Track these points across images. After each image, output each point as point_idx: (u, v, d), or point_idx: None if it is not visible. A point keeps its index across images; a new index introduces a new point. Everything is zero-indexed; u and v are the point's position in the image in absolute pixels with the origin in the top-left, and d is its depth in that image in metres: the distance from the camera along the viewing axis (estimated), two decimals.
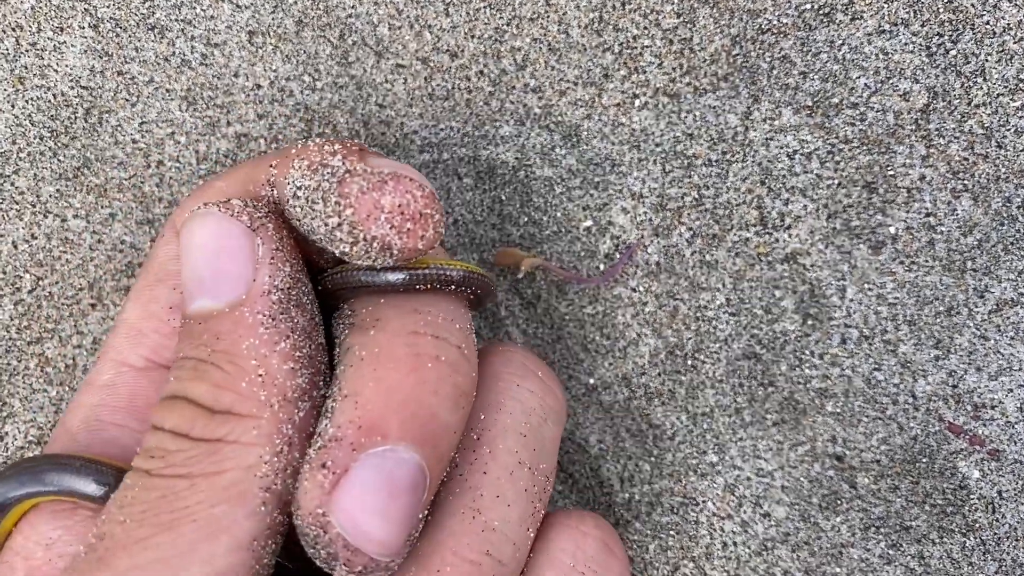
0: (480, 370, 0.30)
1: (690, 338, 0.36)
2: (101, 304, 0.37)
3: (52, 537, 0.27)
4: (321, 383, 0.26)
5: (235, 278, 0.26)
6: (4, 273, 0.36)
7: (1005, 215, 0.35)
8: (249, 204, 0.27)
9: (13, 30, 0.36)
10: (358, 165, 0.26)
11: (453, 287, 0.28)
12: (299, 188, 0.26)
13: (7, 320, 0.36)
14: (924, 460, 0.35)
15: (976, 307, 0.35)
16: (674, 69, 0.36)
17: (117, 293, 0.37)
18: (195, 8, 0.36)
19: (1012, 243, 0.35)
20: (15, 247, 0.36)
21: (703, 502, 0.36)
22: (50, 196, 0.36)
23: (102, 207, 0.36)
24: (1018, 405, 0.35)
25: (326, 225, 0.26)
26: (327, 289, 0.29)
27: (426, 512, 0.25)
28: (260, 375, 0.25)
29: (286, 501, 0.25)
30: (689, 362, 0.36)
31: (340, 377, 0.26)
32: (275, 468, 0.24)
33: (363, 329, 0.27)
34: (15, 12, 0.35)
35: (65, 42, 0.36)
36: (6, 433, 0.36)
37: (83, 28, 0.36)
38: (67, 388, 0.36)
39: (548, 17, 0.36)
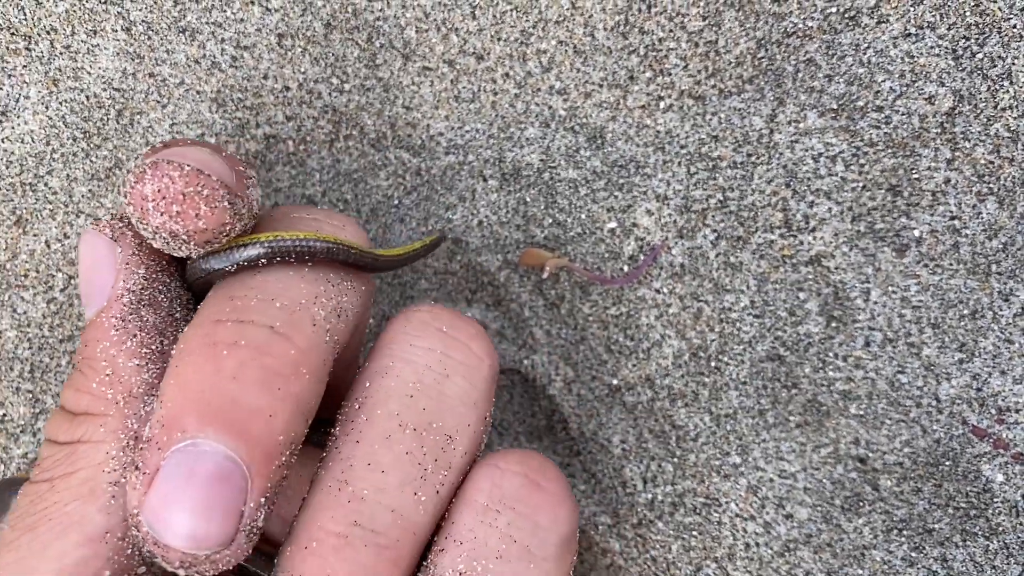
0: (379, 337, 0.29)
1: (714, 340, 0.36)
2: None
3: None
4: None
5: (102, 287, 0.27)
6: (37, 272, 0.37)
7: None
8: (115, 217, 0.28)
9: (48, 33, 0.36)
10: (139, 160, 0.26)
11: (320, 259, 0.27)
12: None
13: (40, 318, 0.37)
14: (948, 463, 0.35)
15: (1001, 310, 0.35)
16: (699, 71, 0.36)
17: None
18: (225, 11, 0.36)
19: None
20: (48, 246, 0.37)
21: (726, 503, 0.36)
22: (82, 196, 0.37)
23: None
24: None
25: (136, 225, 0.26)
26: (190, 285, 0.28)
27: (265, 499, 0.24)
28: (108, 374, 0.26)
29: None
30: (712, 364, 0.36)
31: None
32: (122, 463, 0.25)
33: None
34: (50, 16, 0.36)
35: (98, 45, 0.36)
36: (39, 430, 0.37)
37: (116, 31, 0.36)
38: None
39: (574, 20, 0.36)
